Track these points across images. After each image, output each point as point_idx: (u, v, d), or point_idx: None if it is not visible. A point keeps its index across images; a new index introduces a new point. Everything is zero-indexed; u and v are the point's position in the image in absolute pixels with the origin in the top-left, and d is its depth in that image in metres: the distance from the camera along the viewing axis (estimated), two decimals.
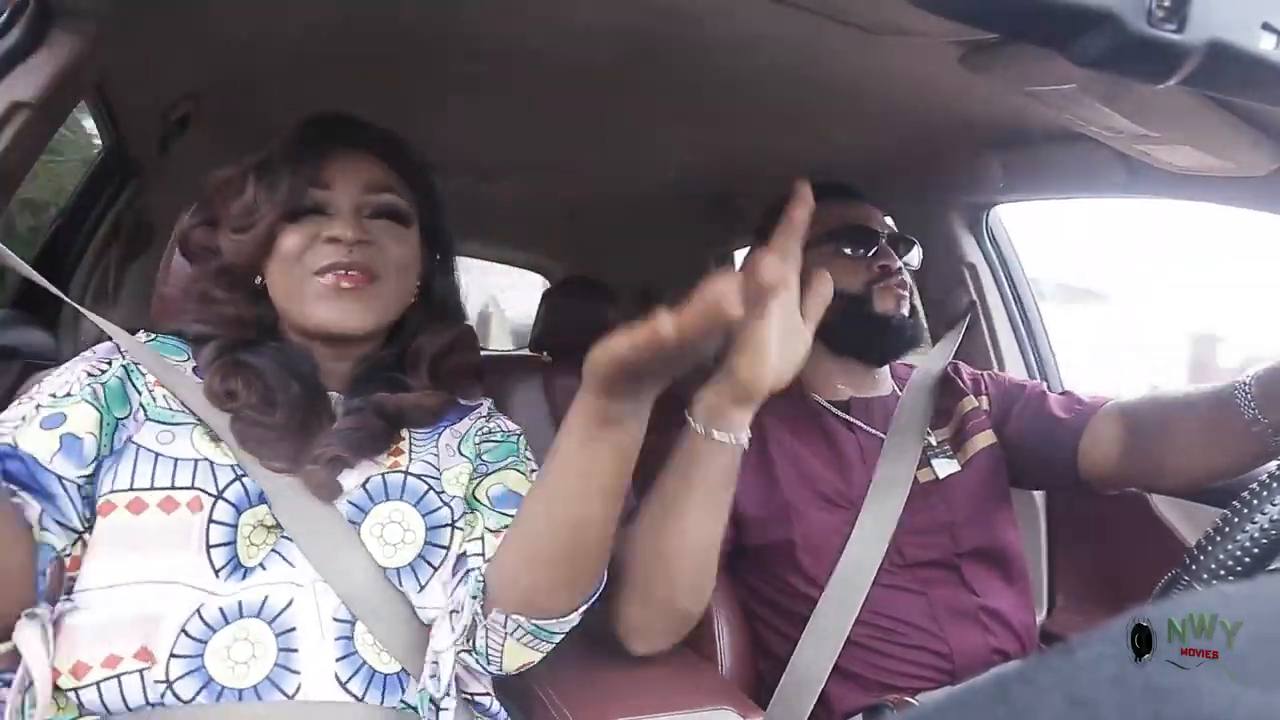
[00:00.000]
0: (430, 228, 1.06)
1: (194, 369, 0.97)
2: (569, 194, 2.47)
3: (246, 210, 0.97)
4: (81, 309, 1.09)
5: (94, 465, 0.87)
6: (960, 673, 1.21)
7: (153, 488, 0.86)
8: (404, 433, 1.00)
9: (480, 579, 0.90)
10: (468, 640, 0.91)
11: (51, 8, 1.10)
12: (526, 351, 2.78)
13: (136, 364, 0.94)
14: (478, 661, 0.93)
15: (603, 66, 1.38)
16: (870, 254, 1.36)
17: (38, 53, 1.11)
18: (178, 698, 0.82)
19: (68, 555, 0.84)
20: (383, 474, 0.95)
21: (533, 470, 1.03)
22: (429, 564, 0.92)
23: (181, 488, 0.87)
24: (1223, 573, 0.80)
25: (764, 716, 1.06)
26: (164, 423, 0.91)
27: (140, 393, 0.93)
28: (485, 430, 1.07)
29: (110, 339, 0.98)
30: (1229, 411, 1.10)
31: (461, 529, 0.96)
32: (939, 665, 1.22)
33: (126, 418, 0.90)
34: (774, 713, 1.16)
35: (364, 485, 0.93)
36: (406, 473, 0.96)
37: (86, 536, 0.85)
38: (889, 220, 1.46)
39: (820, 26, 1.06)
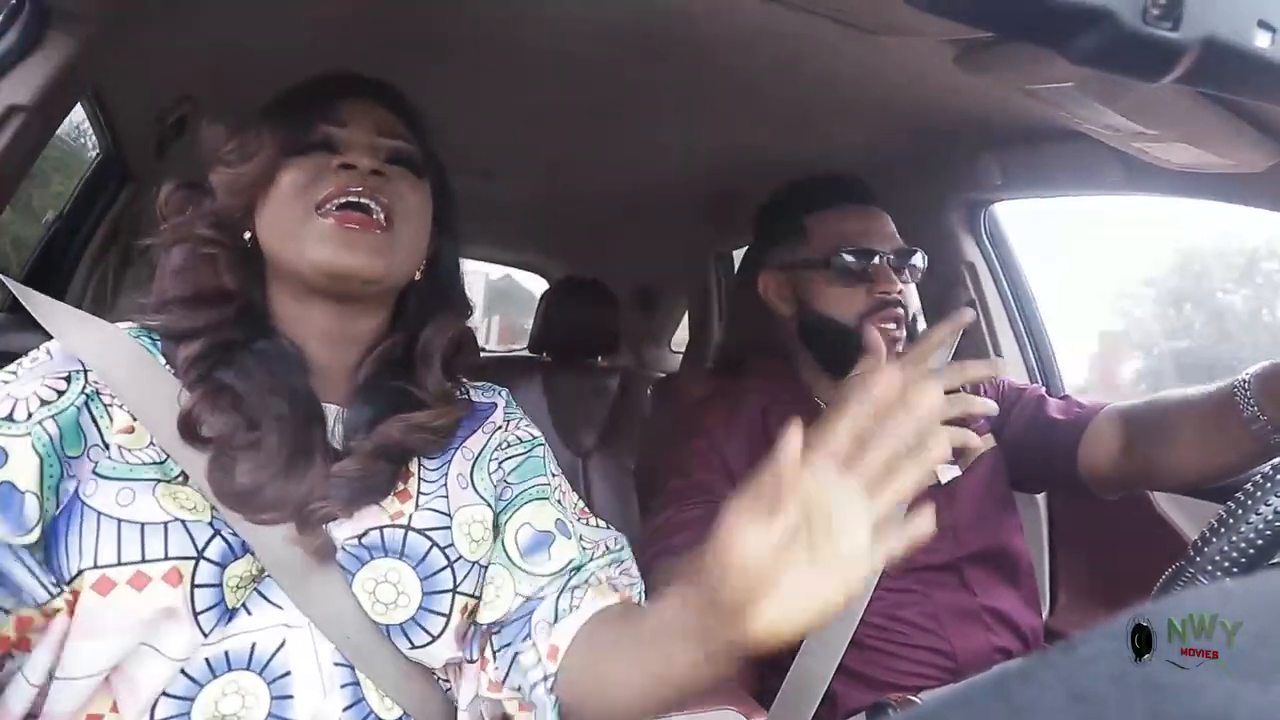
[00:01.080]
0: (439, 188, 0.95)
1: (174, 373, 0.83)
2: (567, 193, 2.47)
3: (244, 145, 0.86)
4: (81, 309, 1.08)
5: (39, 530, 0.71)
6: (964, 671, 1.22)
7: (120, 563, 0.72)
8: (413, 465, 0.88)
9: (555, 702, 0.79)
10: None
11: (48, 10, 1.10)
12: (525, 352, 2.78)
13: (99, 388, 0.79)
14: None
15: (601, 65, 1.38)
16: (870, 279, 1.30)
17: (34, 55, 1.11)
18: None
19: None
20: (382, 529, 0.83)
21: (558, 483, 0.95)
22: (423, 629, 0.82)
23: (153, 560, 0.73)
24: (1223, 568, 0.80)
25: (768, 717, 1.06)
26: (121, 479, 0.75)
27: (97, 428, 0.77)
28: (502, 444, 0.96)
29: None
30: (1228, 409, 1.11)
31: (465, 594, 0.85)
32: (942, 664, 1.22)
33: (79, 457, 0.75)
34: (778, 713, 1.16)
35: (360, 539, 0.82)
36: (408, 528, 0.84)
37: (40, 613, 0.71)
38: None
39: (818, 25, 1.06)
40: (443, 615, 0.83)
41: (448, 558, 0.85)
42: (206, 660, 0.75)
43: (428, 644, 0.82)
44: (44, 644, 0.72)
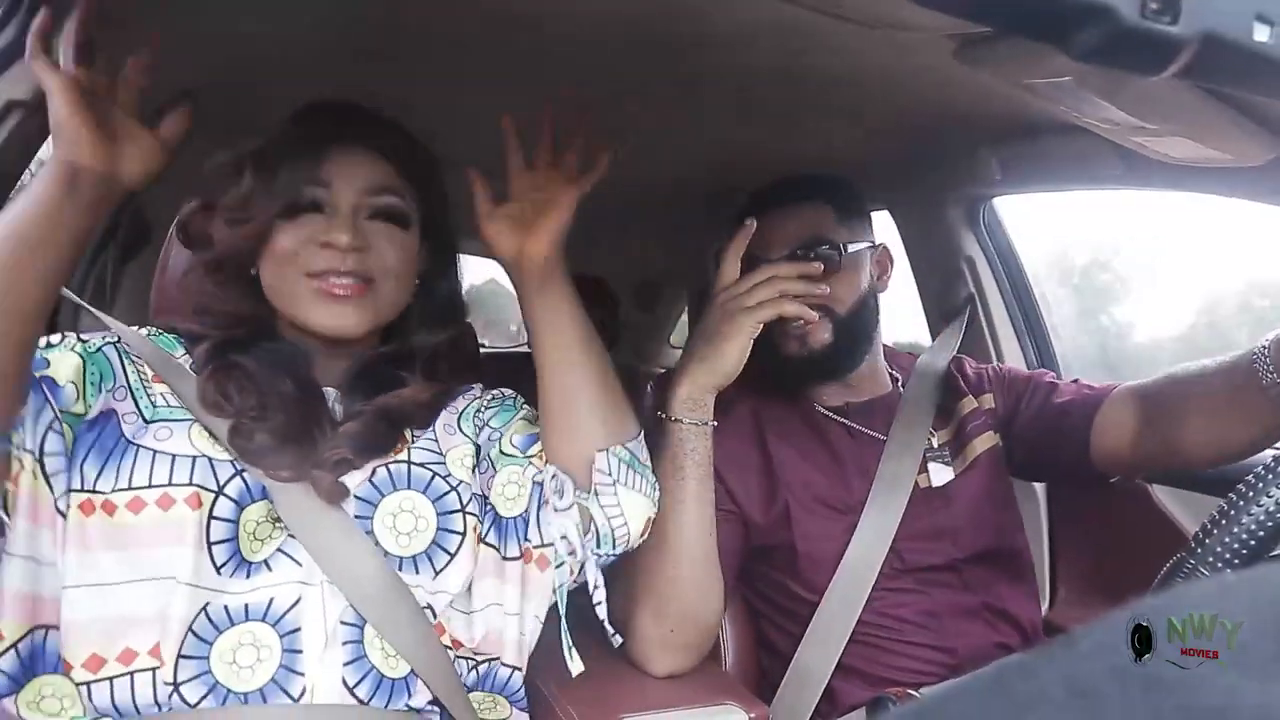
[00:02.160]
0: (432, 226, 1.04)
1: (191, 365, 0.96)
2: None
3: (241, 203, 0.95)
4: (82, 302, 1.08)
5: (72, 417, 0.85)
6: (964, 668, 1.21)
7: (150, 485, 0.85)
8: (405, 432, 0.99)
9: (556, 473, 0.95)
10: (585, 534, 0.94)
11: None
12: (525, 348, 2.78)
13: (134, 357, 0.93)
14: (605, 550, 0.96)
15: (599, 61, 1.38)
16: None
17: None
18: (184, 701, 0.82)
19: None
20: (388, 465, 0.94)
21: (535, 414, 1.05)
22: (444, 550, 0.93)
23: (179, 484, 0.85)
24: (1223, 561, 0.80)
25: (769, 712, 1.06)
26: (162, 420, 0.89)
27: (131, 376, 0.91)
28: (482, 404, 1.07)
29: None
30: (1246, 379, 1.06)
31: (473, 514, 0.96)
32: (942, 661, 1.22)
33: (112, 389, 0.89)
34: (778, 709, 1.16)
35: (370, 479, 0.93)
36: (410, 463, 0.96)
37: (27, 469, 0.81)
38: (877, 216, 1.38)
39: (817, 21, 1.06)
40: (458, 534, 0.95)
41: (449, 484, 0.96)
42: (226, 608, 0.84)
43: (446, 565, 0.93)
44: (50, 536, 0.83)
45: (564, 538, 0.93)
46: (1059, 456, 1.31)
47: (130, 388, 0.90)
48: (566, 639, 0.94)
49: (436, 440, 1.00)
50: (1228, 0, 0.55)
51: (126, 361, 0.92)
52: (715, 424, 1.16)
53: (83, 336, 0.91)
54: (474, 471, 1.00)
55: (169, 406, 0.91)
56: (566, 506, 0.93)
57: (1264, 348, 1.06)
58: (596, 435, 0.95)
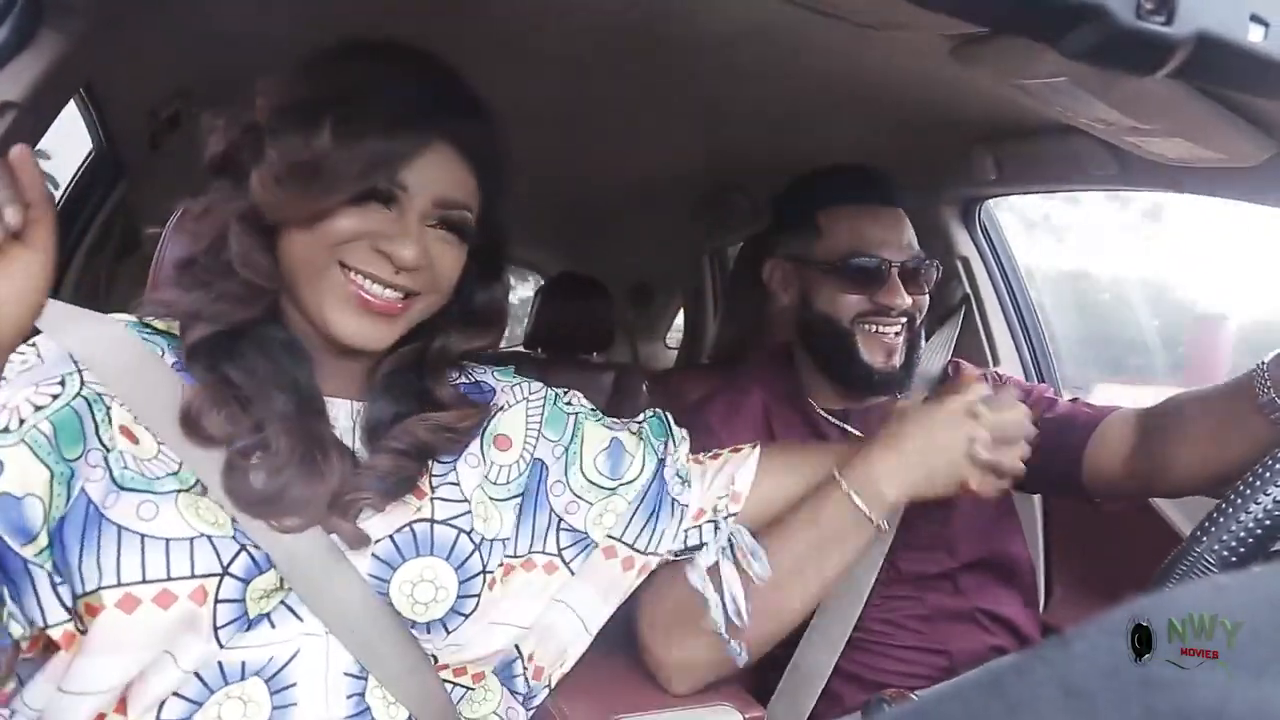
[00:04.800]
0: (486, 232, 0.89)
1: (176, 365, 0.81)
2: (562, 190, 2.47)
3: (310, 165, 0.76)
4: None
5: (45, 536, 0.69)
6: (959, 671, 1.21)
7: (145, 580, 0.71)
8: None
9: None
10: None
11: (40, 6, 1.09)
12: (520, 348, 2.78)
13: (95, 389, 0.76)
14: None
15: (595, 61, 1.38)
16: (877, 287, 1.28)
17: (26, 52, 1.10)
18: None
19: (25, 638, 0.70)
20: (411, 525, 0.84)
21: (584, 407, 1.04)
22: (459, 614, 0.85)
23: (180, 578, 0.72)
24: (1219, 561, 0.80)
25: (765, 714, 1.06)
26: (141, 491, 0.74)
27: (96, 429, 0.74)
28: (524, 409, 0.99)
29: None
30: (1244, 398, 1.06)
31: (492, 571, 0.88)
32: (938, 665, 1.22)
33: (78, 458, 0.72)
34: (776, 710, 1.16)
35: (392, 538, 0.83)
36: (433, 521, 0.85)
37: (57, 630, 0.70)
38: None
39: (811, 21, 1.05)
40: (475, 598, 0.86)
41: (473, 541, 0.87)
42: (220, 665, 0.75)
43: (460, 625, 0.85)
44: (47, 670, 0.72)
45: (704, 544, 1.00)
46: (1049, 473, 1.28)
47: (95, 447, 0.74)
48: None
49: (459, 483, 0.90)
50: (1222, 1, 0.55)
51: (95, 407, 0.75)
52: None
53: (38, 398, 0.72)
54: (489, 521, 0.90)
55: (144, 476, 0.75)
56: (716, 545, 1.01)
57: (1263, 366, 1.05)
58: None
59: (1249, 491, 0.80)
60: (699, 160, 2.03)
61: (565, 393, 1.04)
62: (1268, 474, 0.80)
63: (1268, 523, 0.79)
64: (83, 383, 0.75)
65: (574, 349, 2.66)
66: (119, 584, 0.70)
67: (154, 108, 1.59)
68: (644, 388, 2.36)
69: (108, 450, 0.74)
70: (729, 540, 1.01)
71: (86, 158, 1.80)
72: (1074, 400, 1.35)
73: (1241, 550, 0.79)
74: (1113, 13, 0.53)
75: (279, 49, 1.36)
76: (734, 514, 1.02)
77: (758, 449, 1.06)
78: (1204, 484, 1.18)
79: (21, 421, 0.70)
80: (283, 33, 1.31)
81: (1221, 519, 0.81)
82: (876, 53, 1.19)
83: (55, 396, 0.73)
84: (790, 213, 1.40)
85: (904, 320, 1.29)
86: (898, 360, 1.30)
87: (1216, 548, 0.80)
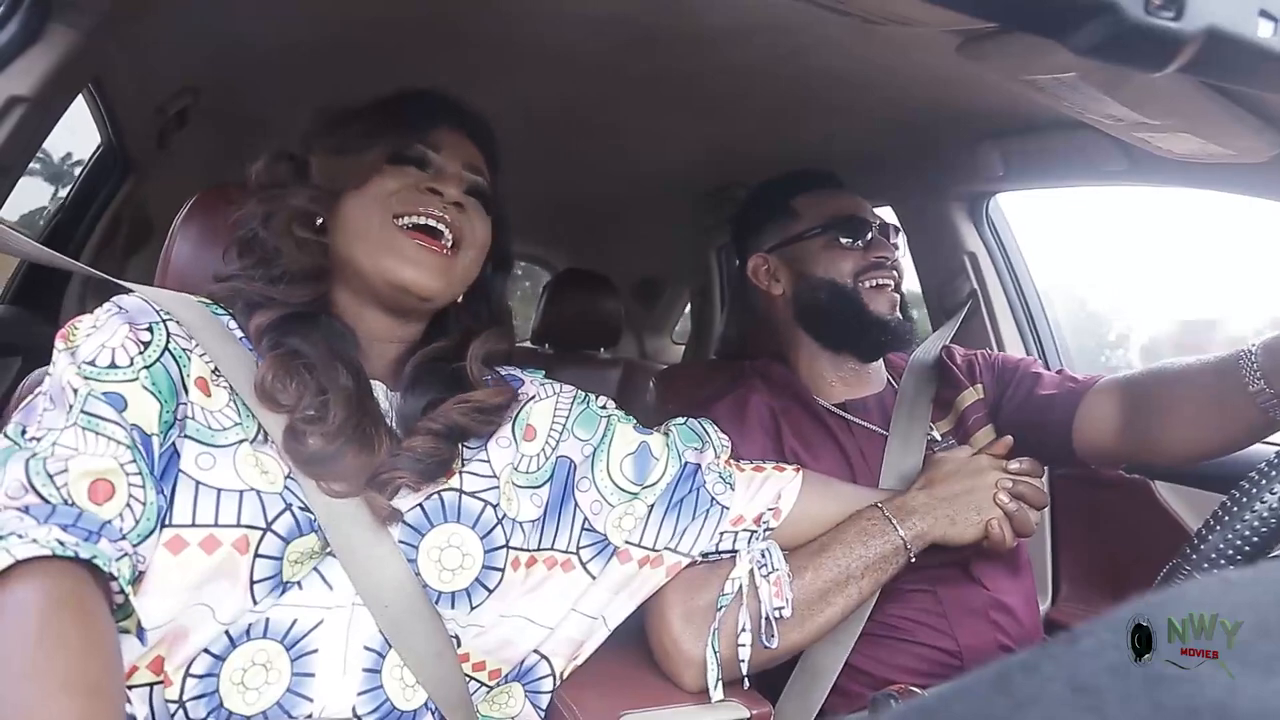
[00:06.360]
0: (499, 221, 1.02)
1: (240, 338, 0.88)
2: (569, 186, 2.47)
3: (356, 136, 0.93)
4: (109, 272, 1.06)
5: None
6: (969, 668, 1.21)
7: (194, 524, 0.76)
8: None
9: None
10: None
11: (48, 1, 1.10)
12: (528, 344, 2.78)
13: (180, 341, 0.82)
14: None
15: (599, 58, 1.38)
16: (864, 244, 1.36)
17: (35, 47, 1.11)
18: (188, 718, 0.77)
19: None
20: (440, 493, 0.90)
21: (618, 412, 1.09)
22: (484, 587, 0.90)
23: (226, 525, 0.77)
24: (1224, 560, 0.80)
25: (774, 711, 1.06)
26: (203, 443, 0.79)
27: (182, 378, 0.81)
28: (553, 404, 1.05)
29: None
30: (1232, 380, 1.06)
31: (515, 548, 0.95)
32: (948, 661, 1.22)
33: (175, 407, 0.79)
34: (784, 708, 1.16)
35: (421, 505, 0.88)
36: (461, 491, 0.91)
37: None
38: (881, 212, 1.45)
39: (818, 17, 1.05)
40: (499, 570, 0.92)
41: (497, 515, 0.93)
42: (249, 627, 0.79)
43: (484, 601, 0.90)
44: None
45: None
46: (1042, 447, 1.29)
47: (183, 400, 0.80)
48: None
49: (489, 460, 0.96)
50: None
51: (182, 361, 0.81)
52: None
53: (135, 340, 0.79)
54: (512, 501, 0.96)
55: (207, 426, 0.80)
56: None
57: (1251, 350, 1.05)
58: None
59: (1254, 490, 0.80)
60: (705, 156, 2.02)
61: (598, 397, 1.10)
62: (1272, 472, 0.79)
63: (1272, 522, 0.79)
64: (169, 335, 0.82)
65: (581, 344, 2.66)
66: (170, 524, 0.75)
67: (162, 104, 1.59)
68: (650, 383, 2.37)
69: (188, 402, 0.80)
70: (761, 555, 1.05)
71: (95, 152, 1.81)
72: (1059, 372, 1.36)
73: (1246, 549, 0.79)
74: (1122, 8, 0.53)
75: (284, 47, 1.37)
76: (772, 529, 1.07)
77: (801, 472, 1.13)
78: (1195, 458, 1.22)
79: (130, 360, 0.77)
80: (288, 31, 1.31)
81: (1225, 518, 0.81)
82: (883, 49, 1.18)
83: (146, 343, 0.80)
84: (763, 208, 1.47)
85: (895, 275, 1.37)
86: (900, 313, 1.36)
87: (1215, 553, 0.80)
